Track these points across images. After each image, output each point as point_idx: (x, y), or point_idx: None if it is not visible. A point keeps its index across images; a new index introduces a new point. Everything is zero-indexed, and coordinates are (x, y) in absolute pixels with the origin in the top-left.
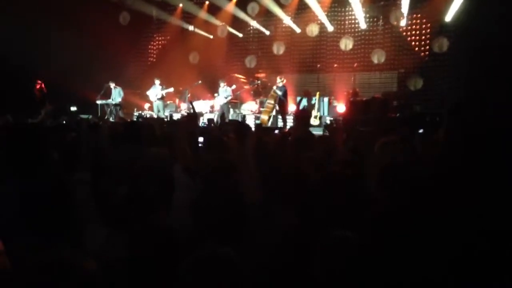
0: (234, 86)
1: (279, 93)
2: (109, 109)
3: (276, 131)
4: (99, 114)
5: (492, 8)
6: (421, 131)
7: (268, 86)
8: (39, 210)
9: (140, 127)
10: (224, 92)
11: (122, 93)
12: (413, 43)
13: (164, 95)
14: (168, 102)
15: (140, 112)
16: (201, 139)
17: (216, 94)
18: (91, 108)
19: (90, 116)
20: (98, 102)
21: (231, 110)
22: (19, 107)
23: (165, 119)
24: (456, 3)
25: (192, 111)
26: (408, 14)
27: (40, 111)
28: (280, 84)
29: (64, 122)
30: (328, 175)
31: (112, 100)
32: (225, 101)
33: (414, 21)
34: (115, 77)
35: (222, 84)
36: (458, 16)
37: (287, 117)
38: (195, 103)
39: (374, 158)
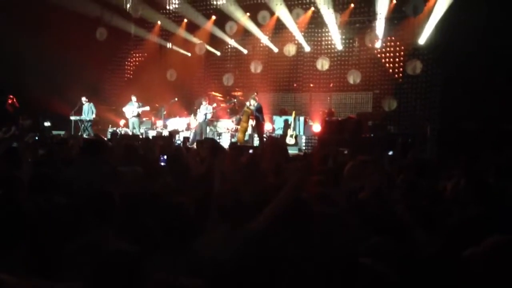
0: (215, 105)
1: (252, 108)
2: (82, 125)
3: (251, 151)
4: (72, 130)
5: (464, 32)
6: (390, 153)
7: (245, 105)
8: None
9: (97, 144)
10: (205, 109)
11: (94, 109)
12: (387, 65)
13: (140, 112)
14: (144, 119)
15: (114, 128)
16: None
17: (193, 116)
18: (65, 124)
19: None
20: (72, 118)
21: (207, 128)
22: None
23: (140, 136)
24: (429, 26)
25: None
26: (383, 36)
27: (11, 127)
28: (253, 101)
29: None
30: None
31: (85, 115)
32: (205, 118)
33: (389, 43)
34: (91, 93)
35: (203, 102)
36: (431, 40)
37: (264, 136)
38: (171, 120)
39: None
